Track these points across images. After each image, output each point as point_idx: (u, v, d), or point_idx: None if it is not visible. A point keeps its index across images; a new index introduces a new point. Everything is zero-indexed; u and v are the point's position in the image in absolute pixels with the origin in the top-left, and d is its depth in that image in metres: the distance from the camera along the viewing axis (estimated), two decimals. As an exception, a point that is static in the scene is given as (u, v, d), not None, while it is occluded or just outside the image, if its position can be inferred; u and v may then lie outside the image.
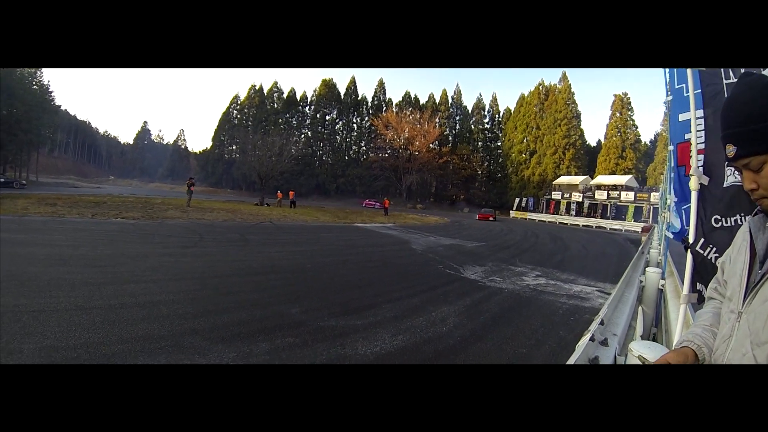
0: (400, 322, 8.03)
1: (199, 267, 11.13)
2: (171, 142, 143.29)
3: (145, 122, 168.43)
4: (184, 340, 6.04)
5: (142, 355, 5.40)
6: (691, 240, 3.42)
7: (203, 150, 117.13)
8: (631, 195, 63.25)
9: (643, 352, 1.95)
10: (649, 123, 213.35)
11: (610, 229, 53.79)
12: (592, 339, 2.43)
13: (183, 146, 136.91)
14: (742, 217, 3.02)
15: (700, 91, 3.51)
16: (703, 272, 3.37)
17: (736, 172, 2.94)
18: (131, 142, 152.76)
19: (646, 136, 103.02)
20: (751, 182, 1.39)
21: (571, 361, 1.99)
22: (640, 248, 11.21)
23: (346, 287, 10.53)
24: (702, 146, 3.51)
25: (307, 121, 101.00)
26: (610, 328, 3.01)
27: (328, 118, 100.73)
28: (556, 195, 74.72)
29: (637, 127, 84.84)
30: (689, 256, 3.43)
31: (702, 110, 3.53)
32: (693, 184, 3.36)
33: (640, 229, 47.20)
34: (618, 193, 65.42)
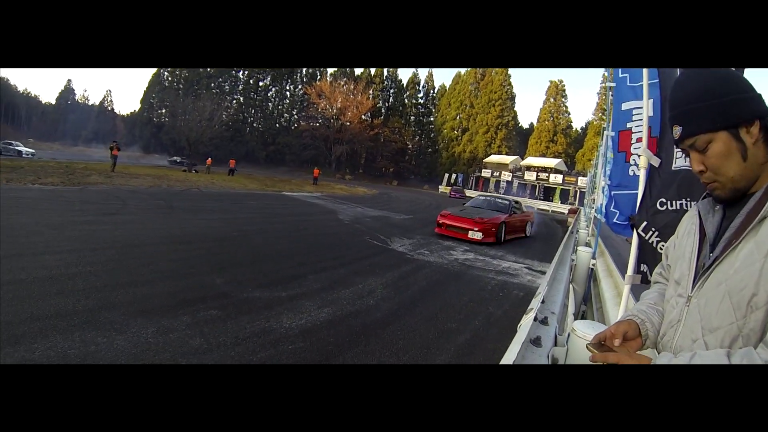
0: (326, 293, 7.90)
1: (120, 236, 10.47)
2: (97, 103, 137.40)
3: (69, 81, 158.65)
4: (101, 316, 5.63)
5: (53, 334, 4.96)
6: (641, 225, 3.39)
7: (131, 113, 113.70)
8: (559, 178, 65.32)
9: (587, 331, 1.93)
10: (582, 110, 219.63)
11: (538, 209, 55.06)
12: (535, 318, 2.31)
13: (110, 108, 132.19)
14: (688, 202, 3.04)
15: (657, 81, 3.55)
16: (647, 254, 3.35)
17: (686, 157, 2.95)
18: (53, 102, 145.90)
19: (577, 123, 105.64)
20: (698, 164, 1.38)
21: (515, 341, 1.96)
22: (569, 229, 11.43)
23: (271, 257, 10.31)
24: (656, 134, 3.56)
25: (240, 87, 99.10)
26: (549, 306, 2.91)
27: (261, 84, 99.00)
28: (486, 173, 76.16)
29: (569, 114, 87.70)
30: (635, 236, 3.39)
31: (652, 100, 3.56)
32: (642, 162, 3.37)
33: (566, 211, 48.57)
34: (547, 175, 67.25)
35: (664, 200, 3.15)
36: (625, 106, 4.42)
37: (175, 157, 63.59)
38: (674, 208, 3.09)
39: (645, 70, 3.48)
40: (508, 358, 1.72)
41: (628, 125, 4.33)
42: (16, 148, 44.64)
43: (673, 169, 3.13)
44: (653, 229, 3.21)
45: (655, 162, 3.23)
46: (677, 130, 1.40)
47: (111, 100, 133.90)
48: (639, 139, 3.95)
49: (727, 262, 1.28)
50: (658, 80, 3.58)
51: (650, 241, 3.23)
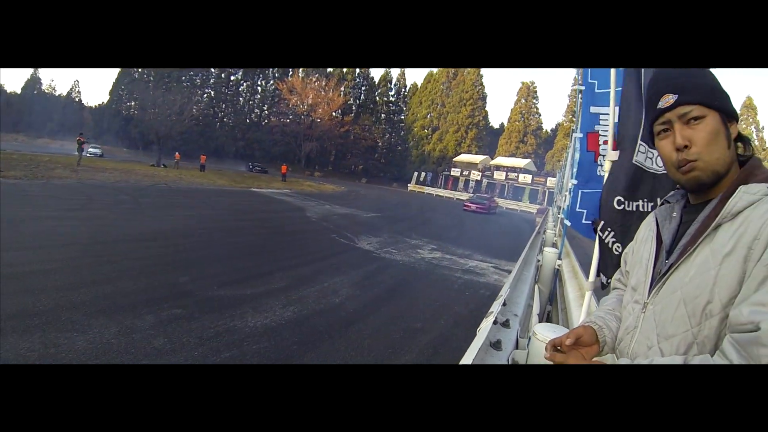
0: (291, 292, 7.86)
1: (83, 232, 10.27)
2: (64, 94, 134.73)
3: (35, 70, 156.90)
4: (62, 315, 5.51)
5: (13, 336, 4.83)
6: (599, 224, 3.40)
7: (99, 104, 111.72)
8: (528, 178, 65.82)
9: (547, 335, 1.90)
10: (552, 112, 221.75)
11: (507, 208, 55.50)
12: (495, 322, 2.28)
13: (77, 99, 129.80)
14: (645, 203, 3.03)
15: (620, 89, 3.59)
16: (606, 258, 3.37)
17: (647, 154, 2.97)
18: (18, 91, 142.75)
19: (548, 124, 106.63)
20: (684, 138, 1.30)
21: (473, 345, 1.91)
22: (536, 229, 11.48)
23: (237, 255, 10.22)
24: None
25: (212, 80, 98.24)
26: (511, 308, 2.90)
27: (233, 78, 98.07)
28: (455, 172, 76.42)
29: (540, 115, 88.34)
30: (597, 240, 3.40)
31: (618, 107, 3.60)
32: (606, 166, 3.35)
33: (535, 211, 49.04)
34: (516, 175, 67.77)
35: (621, 199, 3.16)
36: (594, 110, 4.50)
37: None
38: (631, 209, 3.09)
39: (612, 76, 3.50)
40: (466, 361, 1.70)
41: (596, 128, 4.42)
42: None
43: (632, 162, 3.14)
44: (609, 228, 3.22)
45: (614, 156, 3.24)
46: (669, 98, 1.34)
47: (79, 91, 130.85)
48: (605, 141, 4.04)
49: (682, 269, 1.27)
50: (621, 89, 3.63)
51: (606, 241, 3.24)
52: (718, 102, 1.30)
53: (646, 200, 3.02)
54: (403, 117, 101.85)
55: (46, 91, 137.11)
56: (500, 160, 75.17)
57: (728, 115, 1.32)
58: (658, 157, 2.84)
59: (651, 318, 1.34)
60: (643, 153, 3.06)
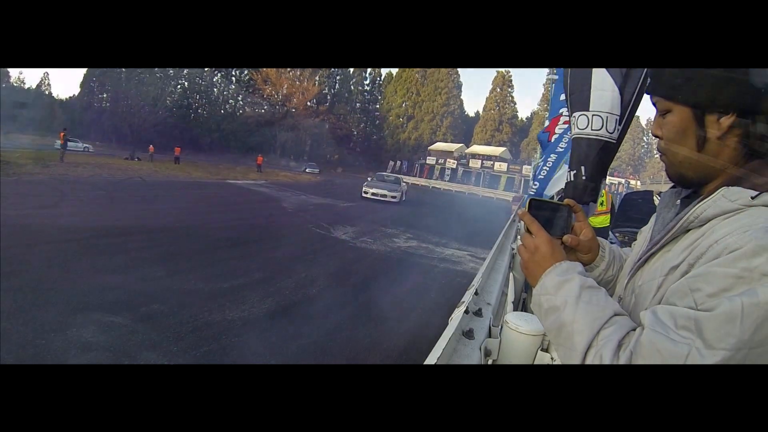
0: (268, 284, 7.86)
1: (56, 229, 10.05)
2: (34, 86, 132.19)
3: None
4: (38, 315, 5.43)
5: None
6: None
7: (70, 97, 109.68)
8: (504, 166, 66.09)
9: (519, 323, 1.90)
10: (527, 101, 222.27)
11: (482, 196, 55.64)
12: (466, 311, 2.32)
13: (47, 92, 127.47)
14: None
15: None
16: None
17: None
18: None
19: (523, 113, 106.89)
20: (657, 127, 1.21)
21: (444, 334, 1.92)
22: (511, 217, 11.58)
23: (213, 248, 10.20)
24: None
25: (185, 72, 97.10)
26: (484, 296, 2.95)
27: (206, 69, 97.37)
28: (431, 160, 76.46)
29: (515, 104, 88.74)
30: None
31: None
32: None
33: (511, 199, 49.20)
34: (492, 163, 67.98)
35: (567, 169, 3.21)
36: (563, 97, 4.55)
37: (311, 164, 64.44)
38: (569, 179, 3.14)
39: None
40: (437, 350, 1.71)
41: (561, 111, 4.54)
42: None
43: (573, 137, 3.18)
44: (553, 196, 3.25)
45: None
46: (648, 81, 1.26)
47: (49, 84, 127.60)
48: (566, 122, 4.23)
49: (642, 271, 1.22)
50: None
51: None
52: (686, 94, 1.13)
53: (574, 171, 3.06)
54: (378, 106, 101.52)
55: (15, 85, 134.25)
56: (476, 149, 75.33)
57: (710, 109, 1.09)
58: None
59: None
60: (585, 127, 3.07)
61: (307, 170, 61.12)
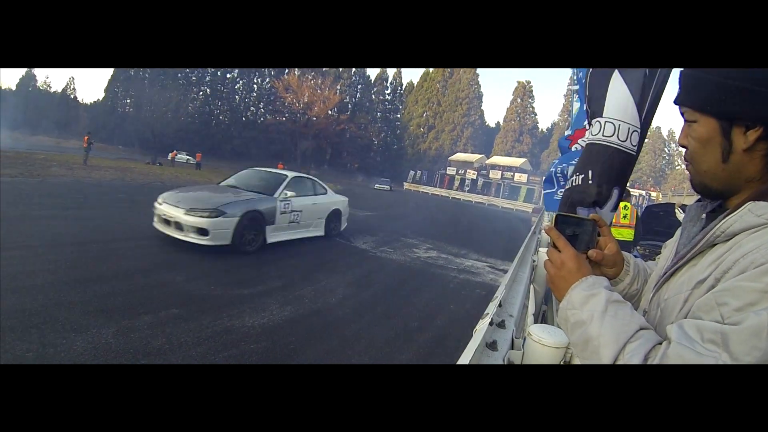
0: (287, 291, 7.87)
1: (79, 231, 10.15)
2: (59, 90, 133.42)
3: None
4: (60, 315, 5.47)
5: (11, 335, 4.81)
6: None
7: (94, 101, 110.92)
8: (524, 177, 65.86)
9: (542, 336, 1.86)
10: (548, 111, 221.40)
11: (502, 207, 55.46)
12: (491, 323, 2.31)
13: (72, 96, 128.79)
14: (577, 177, 3.04)
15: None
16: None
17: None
18: (14, 88, 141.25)
19: (544, 124, 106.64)
20: (684, 137, 1.21)
21: (470, 345, 1.87)
22: (531, 228, 11.51)
23: (233, 254, 10.09)
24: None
25: (207, 78, 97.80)
26: (507, 308, 2.93)
27: (228, 76, 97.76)
28: (451, 170, 76.49)
29: (536, 114, 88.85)
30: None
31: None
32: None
33: (531, 210, 48.95)
34: (512, 174, 67.88)
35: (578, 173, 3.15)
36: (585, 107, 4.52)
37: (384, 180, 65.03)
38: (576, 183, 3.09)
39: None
40: (463, 362, 1.71)
41: (585, 123, 4.41)
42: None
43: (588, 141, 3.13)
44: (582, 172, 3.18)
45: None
46: (677, 91, 1.21)
47: (74, 88, 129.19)
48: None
49: (667, 285, 1.21)
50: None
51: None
52: (714, 105, 1.09)
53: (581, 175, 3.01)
54: (399, 115, 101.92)
55: (41, 88, 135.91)
56: (496, 159, 75.41)
57: (737, 120, 1.07)
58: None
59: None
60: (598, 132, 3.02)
61: (376, 186, 61.26)
